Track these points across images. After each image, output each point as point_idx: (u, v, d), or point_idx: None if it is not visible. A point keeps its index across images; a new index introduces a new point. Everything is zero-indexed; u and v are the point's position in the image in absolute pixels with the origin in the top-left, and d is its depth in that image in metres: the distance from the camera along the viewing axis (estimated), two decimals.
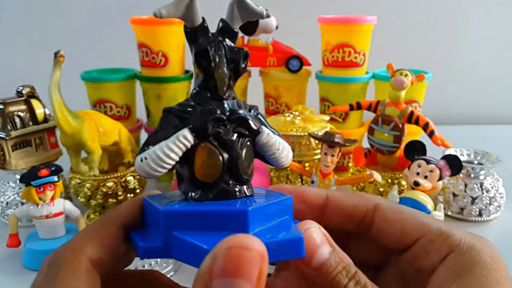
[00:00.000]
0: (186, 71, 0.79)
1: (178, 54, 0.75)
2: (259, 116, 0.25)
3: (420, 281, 0.24)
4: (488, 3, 1.14)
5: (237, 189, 0.24)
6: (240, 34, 0.73)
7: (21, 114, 0.62)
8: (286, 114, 0.68)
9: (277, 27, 0.76)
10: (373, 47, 0.75)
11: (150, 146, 0.23)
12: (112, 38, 1.10)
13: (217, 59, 0.23)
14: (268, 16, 0.24)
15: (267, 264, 0.18)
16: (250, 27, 0.74)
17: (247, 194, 0.24)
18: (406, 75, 0.60)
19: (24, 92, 0.62)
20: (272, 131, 0.25)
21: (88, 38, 1.13)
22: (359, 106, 0.66)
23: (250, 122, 0.24)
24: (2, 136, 0.59)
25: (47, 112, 0.64)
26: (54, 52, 0.54)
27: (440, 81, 0.94)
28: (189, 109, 0.24)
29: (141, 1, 1.08)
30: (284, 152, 0.25)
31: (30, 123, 0.63)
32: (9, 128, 0.60)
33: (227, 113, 0.23)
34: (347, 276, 0.21)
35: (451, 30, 1.16)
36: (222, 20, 0.25)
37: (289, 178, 0.66)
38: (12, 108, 0.61)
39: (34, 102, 0.63)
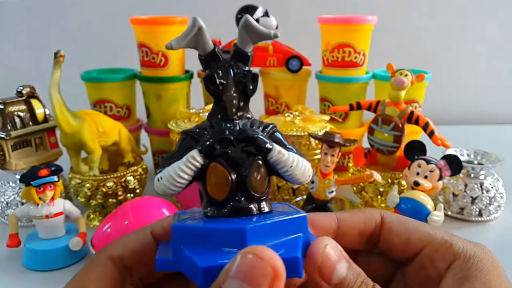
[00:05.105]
0: (186, 71, 0.78)
1: (178, 54, 0.75)
2: (277, 133, 0.26)
3: None
4: (488, 3, 1.14)
5: (251, 206, 0.24)
6: None
7: (21, 114, 0.62)
8: (286, 114, 0.68)
9: (277, 27, 0.76)
10: (373, 47, 0.75)
11: (166, 167, 0.25)
12: (112, 38, 1.10)
13: (224, 83, 0.25)
14: (276, 36, 0.25)
15: (280, 284, 0.19)
16: None
17: (263, 211, 0.25)
18: (406, 75, 0.60)
19: (24, 92, 0.62)
20: (289, 148, 0.26)
21: (88, 38, 1.12)
22: (359, 106, 0.66)
23: (258, 141, 0.24)
24: (2, 136, 0.59)
25: (47, 112, 0.64)
26: (54, 52, 0.54)
27: (440, 81, 0.94)
28: (203, 131, 0.25)
29: (141, 1, 1.09)
30: (299, 169, 0.25)
31: (30, 123, 0.62)
32: (9, 128, 0.60)
33: (236, 133, 0.24)
34: None
35: (451, 30, 1.16)
36: (234, 45, 0.26)
37: None
38: (12, 108, 0.61)
39: (34, 102, 0.63)
